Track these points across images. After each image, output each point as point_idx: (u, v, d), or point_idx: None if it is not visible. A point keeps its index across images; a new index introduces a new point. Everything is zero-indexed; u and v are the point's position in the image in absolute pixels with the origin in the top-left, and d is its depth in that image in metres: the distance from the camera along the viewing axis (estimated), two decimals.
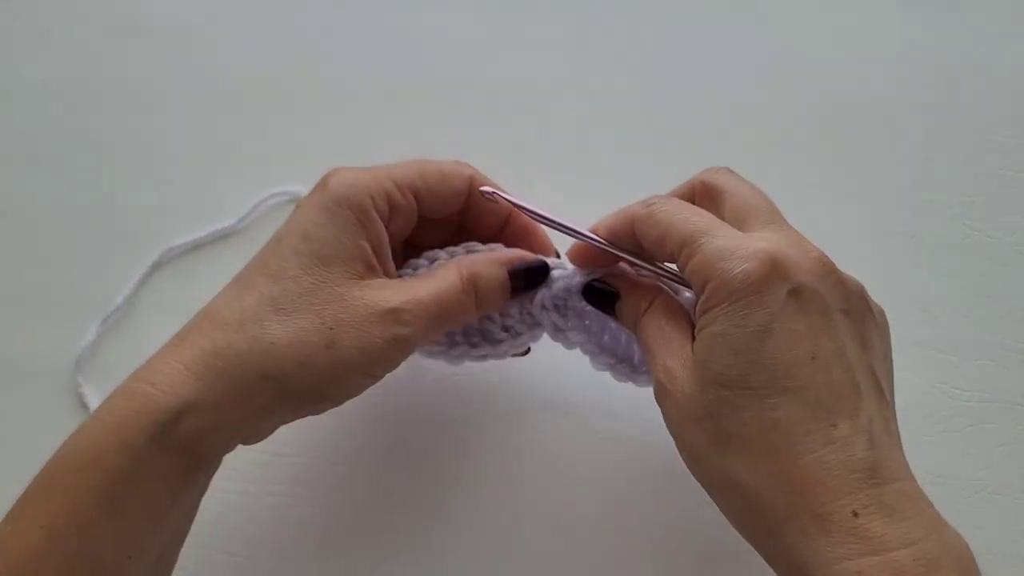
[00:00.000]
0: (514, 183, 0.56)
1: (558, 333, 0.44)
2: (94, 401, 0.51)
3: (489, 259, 0.43)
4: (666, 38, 0.60)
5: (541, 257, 0.44)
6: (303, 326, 0.38)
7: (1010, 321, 0.51)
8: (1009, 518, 0.47)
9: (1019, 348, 0.51)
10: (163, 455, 0.36)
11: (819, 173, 0.55)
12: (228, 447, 0.39)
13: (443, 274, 0.41)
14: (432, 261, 0.44)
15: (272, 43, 0.61)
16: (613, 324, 0.44)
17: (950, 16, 0.59)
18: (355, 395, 0.41)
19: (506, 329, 0.45)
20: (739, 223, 0.38)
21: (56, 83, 0.60)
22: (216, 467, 0.39)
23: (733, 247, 0.36)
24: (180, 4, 0.62)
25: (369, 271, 0.40)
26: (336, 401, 0.40)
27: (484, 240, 0.45)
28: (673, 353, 0.38)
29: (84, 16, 0.62)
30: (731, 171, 0.42)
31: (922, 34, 0.59)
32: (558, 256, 0.45)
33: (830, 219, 0.54)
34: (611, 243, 0.41)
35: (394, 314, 0.39)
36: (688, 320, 0.39)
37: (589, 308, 0.43)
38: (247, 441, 0.40)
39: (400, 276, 0.43)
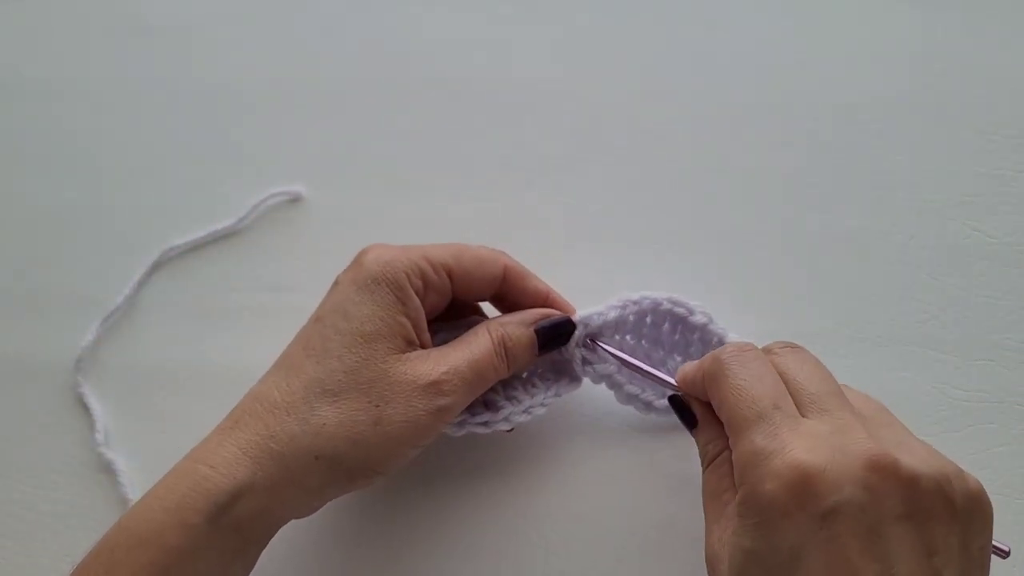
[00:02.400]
0: (514, 183, 0.56)
1: (587, 367, 0.46)
2: (94, 401, 0.51)
3: (517, 320, 0.44)
4: (666, 39, 0.60)
5: (565, 315, 0.45)
6: (352, 406, 0.39)
7: (1010, 321, 0.51)
8: (1009, 518, 0.47)
9: (1019, 348, 0.51)
10: (219, 535, 0.38)
11: (819, 173, 0.55)
12: (280, 525, 0.40)
13: (476, 340, 0.43)
14: (454, 328, 0.45)
15: (272, 43, 0.61)
16: (638, 377, 0.46)
17: (950, 16, 0.59)
18: (401, 466, 0.42)
19: (508, 399, 0.46)
20: (797, 407, 0.37)
21: (56, 83, 0.60)
22: (266, 543, 0.40)
23: (769, 451, 0.34)
24: (180, 4, 0.62)
25: (408, 346, 0.41)
26: (384, 474, 0.41)
27: None
28: (723, 537, 0.36)
29: (84, 16, 0.62)
30: (795, 347, 0.41)
31: (922, 34, 0.59)
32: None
33: (829, 219, 0.54)
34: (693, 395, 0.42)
35: (436, 386, 0.40)
36: None
37: (615, 355, 0.45)
38: (298, 516, 0.41)
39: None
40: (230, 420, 0.41)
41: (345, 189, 0.56)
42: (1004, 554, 0.38)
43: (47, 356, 0.52)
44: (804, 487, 0.33)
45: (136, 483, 0.49)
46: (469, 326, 0.45)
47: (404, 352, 0.41)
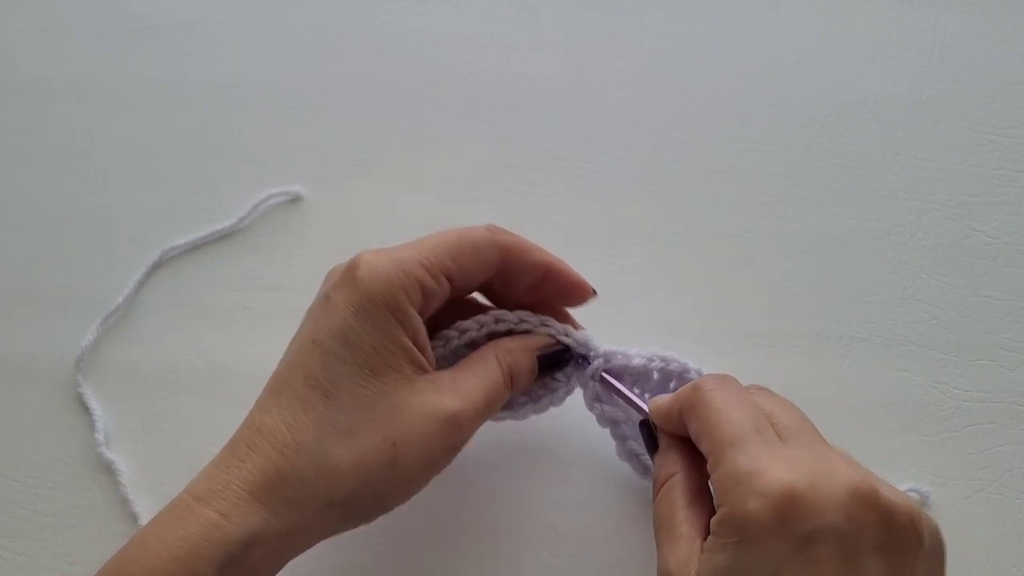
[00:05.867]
0: (514, 183, 0.56)
1: (596, 403, 0.45)
2: (94, 401, 0.51)
3: (523, 347, 0.43)
4: (666, 38, 0.60)
5: (564, 344, 0.44)
6: (367, 446, 0.37)
7: (1010, 321, 0.51)
8: (1009, 518, 0.47)
9: (1019, 348, 0.51)
10: None
11: (819, 173, 0.55)
12: (285, 564, 0.39)
13: (487, 370, 0.41)
14: (462, 332, 0.43)
15: (272, 43, 0.61)
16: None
17: (951, 16, 0.59)
18: (409, 499, 0.40)
19: (525, 393, 0.45)
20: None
21: (56, 83, 0.60)
22: None
23: (753, 471, 0.34)
24: (180, 4, 0.62)
25: (416, 368, 0.39)
26: (392, 508, 0.40)
27: (516, 297, 0.45)
28: (678, 557, 0.36)
29: (84, 16, 0.62)
30: (767, 390, 0.41)
31: (922, 34, 0.59)
32: (595, 294, 0.45)
33: (829, 219, 0.54)
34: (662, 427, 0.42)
35: (453, 421, 0.39)
36: (708, 508, 0.38)
37: (616, 388, 0.44)
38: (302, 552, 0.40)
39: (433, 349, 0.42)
40: (234, 456, 0.38)
41: (345, 189, 0.56)
42: None
43: (47, 356, 0.52)
44: (788, 507, 0.33)
45: (136, 483, 0.49)
46: (464, 335, 0.43)
47: (414, 379, 0.39)
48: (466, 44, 0.60)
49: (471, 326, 0.43)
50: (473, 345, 0.43)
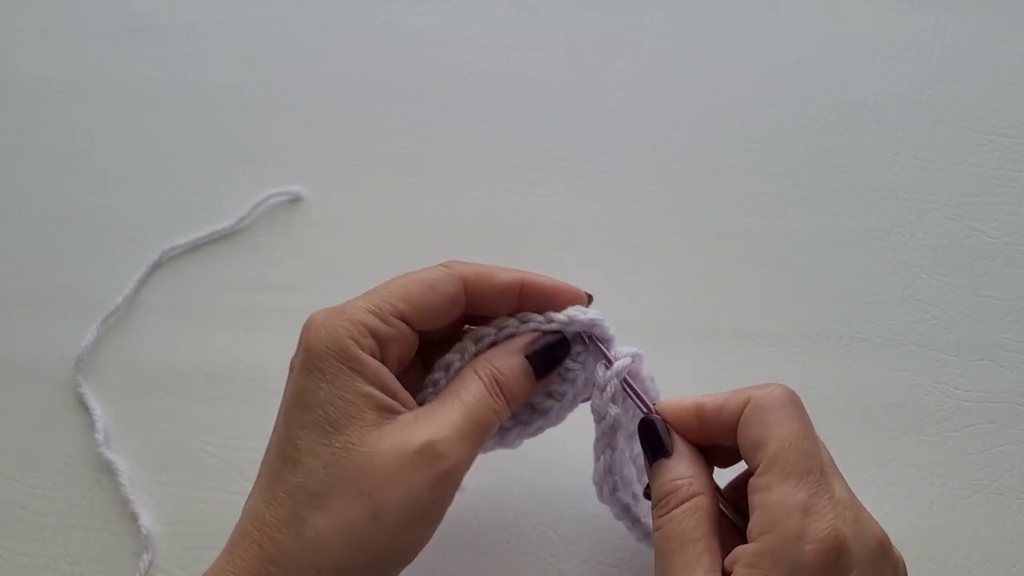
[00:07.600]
0: (514, 183, 0.56)
1: (603, 404, 0.41)
2: (94, 401, 0.51)
3: (505, 351, 0.40)
4: (666, 38, 0.60)
5: (558, 334, 0.41)
6: (342, 504, 0.35)
7: (1010, 321, 0.51)
8: (1009, 518, 0.47)
9: (1019, 348, 0.51)
10: None
11: (819, 173, 0.55)
12: None
13: (465, 386, 0.39)
14: (448, 368, 0.41)
15: (272, 43, 0.61)
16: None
17: (951, 16, 0.59)
18: (420, 551, 0.38)
19: (550, 395, 0.42)
20: None
21: (56, 83, 0.60)
22: None
23: (815, 511, 0.35)
24: (180, 4, 0.63)
25: (384, 413, 0.37)
26: (405, 563, 0.38)
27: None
28: None
29: (84, 16, 0.62)
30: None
31: (922, 34, 0.59)
32: (591, 299, 0.42)
33: (829, 219, 0.54)
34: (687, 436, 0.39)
35: (429, 449, 0.36)
36: (720, 538, 0.37)
37: (633, 392, 0.41)
38: None
39: (422, 400, 0.40)
40: (234, 545, 0.37)
41: (345, 189, 0.56)
42: None
43: (47, 356, 0.52)
44: (838, 557, 0.34)
45: (136, 483, 0.49)
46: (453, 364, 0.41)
47: (381, 424, 0.37)
48: (466, 44, 0.60)
49: (453, 359, 0.41)
50: None
